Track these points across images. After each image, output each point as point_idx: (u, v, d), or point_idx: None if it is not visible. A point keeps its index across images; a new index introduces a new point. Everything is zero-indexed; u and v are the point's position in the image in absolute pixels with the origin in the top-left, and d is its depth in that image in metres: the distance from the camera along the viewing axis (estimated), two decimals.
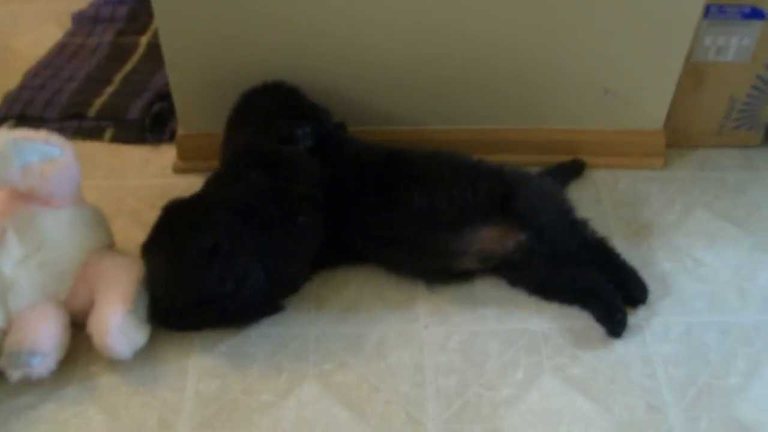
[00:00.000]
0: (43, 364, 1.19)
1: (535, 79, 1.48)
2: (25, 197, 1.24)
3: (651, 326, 1.30)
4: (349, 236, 1.36)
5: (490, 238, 1.32)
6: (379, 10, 1.38)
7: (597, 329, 1.29)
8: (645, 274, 1.36)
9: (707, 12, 1.41)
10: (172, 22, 1.39)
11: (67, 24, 1.99)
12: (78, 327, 1.24)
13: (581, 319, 1.31)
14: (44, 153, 1.23)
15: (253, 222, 1.24)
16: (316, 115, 1.40)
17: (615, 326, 1.28)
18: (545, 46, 1.43)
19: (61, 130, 1.61)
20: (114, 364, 1.24)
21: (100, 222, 1.34)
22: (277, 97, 1.40)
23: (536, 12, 1.38)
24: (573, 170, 1.55)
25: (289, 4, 1.37)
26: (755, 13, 1.41)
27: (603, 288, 1.30)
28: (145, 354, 1.24)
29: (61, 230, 1.25)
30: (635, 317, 1.31)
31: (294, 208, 1.28)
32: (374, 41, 1.42)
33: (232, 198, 1.27)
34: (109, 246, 1.35)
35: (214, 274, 1.21)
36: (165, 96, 1.61)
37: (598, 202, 1.50)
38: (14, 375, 1.18)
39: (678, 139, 1.58)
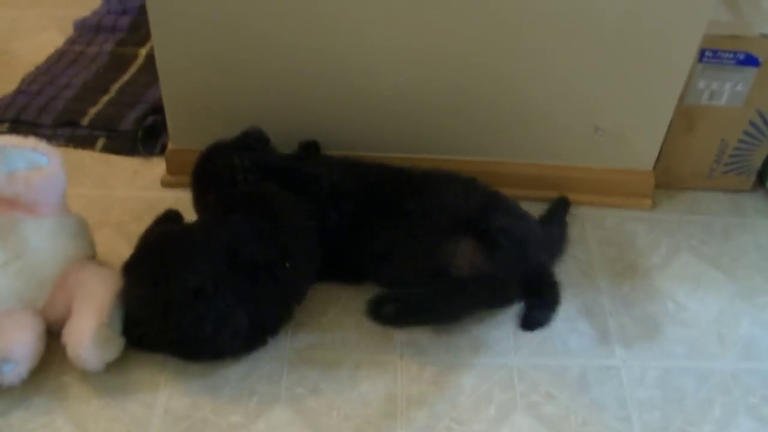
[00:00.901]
0: (15, 371, 1.18)
1: (525, 114, 1.48)
2: (10, 203, 1.24)
3: (628, 369, 1.29)
4: (350, 256, 1.36)
5: (468, 252, 1.31)
6: (371, 36, 1.38)
7: (573, 368, 1.28)
8: (625, 316, 1.36)
9: (702, 56, 1.41)
10: (168, 38, 1.40)
11: (69, 31, 2.00)
12: (54, 336, 1.24)
13: (558, 357, 1.30)
14: (31, 160, 1.23)
15: (239, 266, 1.23)
16: (248, 145, 1.40)
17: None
18: (537, 81, 1.43)
19: (54, 137, 1.64)
20: (86, 375, 1.23)
21: (83, 232, 1.34)
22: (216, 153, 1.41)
23: (529, 47, 1.38)
24: (562, 209, 1.55)
25: (284, 28, 1.37)
26: (750, 60, 1.41)
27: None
28: (117, 367, 1.24)
29: (43, 239, 1.25)
30: (613, 359, 1.30)
31: (281, 253, 1.26)
32: (365, 67, 1.42)
33: (218, 240, 1.25)
34: (91, 257, 1.34)
35: (193, 315, 1.20)
36: (159, 109, 1.60)
37: (583, 240, 1.50)
38: None
39: (667, 180, 1.58)
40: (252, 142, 1.41)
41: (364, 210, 1.37)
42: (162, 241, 1.28)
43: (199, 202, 1.40)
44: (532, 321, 1.29)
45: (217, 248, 1.23)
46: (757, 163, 1.57)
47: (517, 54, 1.40)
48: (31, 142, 1.25)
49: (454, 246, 1.29)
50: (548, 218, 1.51)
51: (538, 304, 1.30)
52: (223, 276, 1.21)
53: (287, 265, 1.26)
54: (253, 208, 1.29)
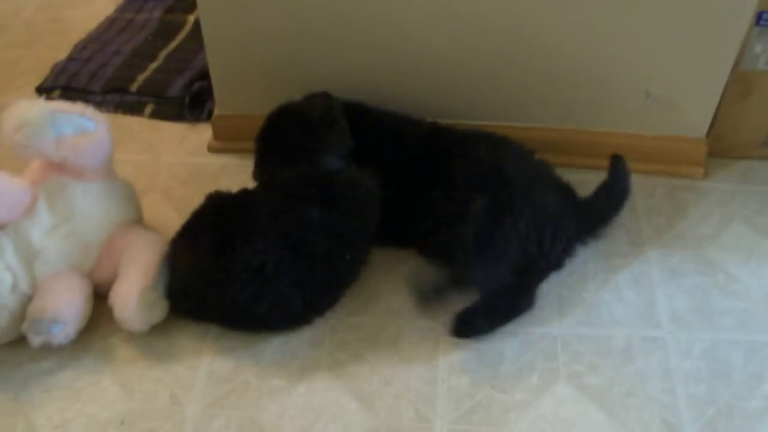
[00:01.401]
0: (64, 332, 1.22)
1: (575, 78, 1.44)
2: (58, 168, 1.27)
3: (675, 340, 1.26)
4: (401, 212, 1.35)
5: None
6: (415, 1, 1.37)
7: (618, 338, 1.26)
8: (674, 286, 1.34)
9: (759, 19, 1.36)
10: (213, 5, 1.40)
11: None
12: (101, 298, 1.26)
13: (603, 327, 1.28)
14: (79, 126, 1.25)
15: (301, 252, 1.23)
16: (340, 143, 1.37)
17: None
18: (585, 45, 1.40)
19: (104, 104, 1.68)
20: (132, 337, 1.26)
21: (129, 197, 1.36)
22: (305, 125, 1.35)
23: (579, 10, 1.35)
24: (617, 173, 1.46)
25: None
26: None
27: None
28: (163, 329, 1.26)
29: (90, 203, 1.28)
30: (659, 330, 1.28)
31: (344, 246, 1.27)
32: (411, 32, 1.41)
33: (285, 225, 1.24)
34: (138, 221, 1.37)
35: (252, 291, 1.21)
36: (206, 75, 1.60)
37: (632, 209, 1.46)
38: (35, 341, 1.21)
39: (721, 148, 1.53)
40: (322, 102, 1.38)
41: (419, 164, 1.37)
42: (228, 211, 1.27)
43: (266, 172, 1.37)
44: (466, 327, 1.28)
45: (284, 232, 1.23)
46: None
47: (565, 17, 1.36)
48: (78, 107, 1.28)
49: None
50: (601, 187, 1.45)
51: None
52: (285, 259, 1.22)
53: (347, 257, 1.28)
54: (328, 199, 1.27)
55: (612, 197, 1.41)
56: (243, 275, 1.20)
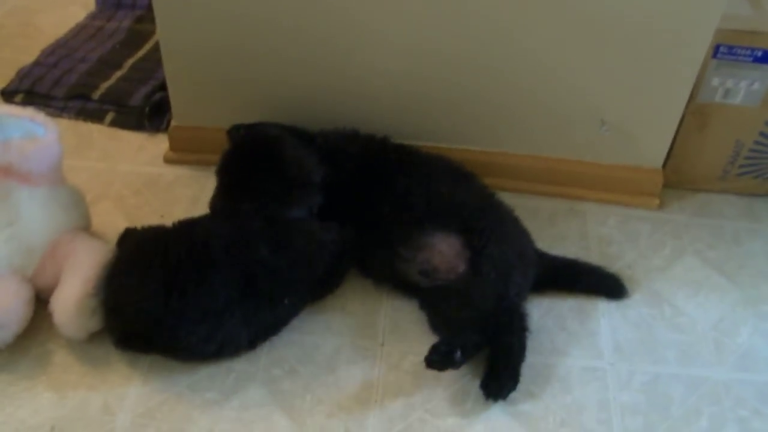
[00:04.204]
0: (1, 336, 1.21)
1: (531, 104, 1.44)
2: (4, 171, 1.26)
3: (615, 371, 1.25)
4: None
5: (439, 251, 1.29)
6: (377, 23, 1.36)
7: (558, 367, 1.25)
8: (618, 317, 1.32)
9: (716, 52, 1.35)
10: (170, 18, 1.40)
11: (91, 6, 2.03)
12: (43, 303, 1.25)
13: (543, 355, 1.26)
14: (27, 130, 1.24)
15: (248, 291, 1.21)
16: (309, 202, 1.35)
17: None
18: (542, 72, 1.39)
19: (66, 110, 1.68)
20: (71, 343, 1.25)
21: (77, 203, 1.35)
22: (283, 173, 1.32)
23: (535, 38, 1.35)
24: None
25: (285, 14, 1.37)
26: None
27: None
28: (101, 337, 1.24)
29: (35, 208, 1.27)
30: (600, 360, 1.26)
31: (286, 291, 1.26)
32: (370, 52, 1.40)
33: (237, 260, 1.22)
34: (85, 228, 1.36)
35: (203, 334, 1.20)
36: None
37: (583, 237, 1.46)
38: None
39: (678, 180, 1.53)
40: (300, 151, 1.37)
41: (363, 174, 1.37)
42: (174, 246, 1.23)
43: (227, 204, 1.33)
44: (494, 388, 1.22)
45: (236, 269, 1.21)
46: None
47: (523, 45, 1.36)
48: (28, 112, 1.27)
49: (431, 239, 1.29)
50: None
51: (502, 369, 1.22)
52: (235, 301, 1.21)
53: (285, 301, 1.27)
54: (280, 244, 1.26)
55: (575, 269, 1.39)
56: (195, 318, 1.19)
